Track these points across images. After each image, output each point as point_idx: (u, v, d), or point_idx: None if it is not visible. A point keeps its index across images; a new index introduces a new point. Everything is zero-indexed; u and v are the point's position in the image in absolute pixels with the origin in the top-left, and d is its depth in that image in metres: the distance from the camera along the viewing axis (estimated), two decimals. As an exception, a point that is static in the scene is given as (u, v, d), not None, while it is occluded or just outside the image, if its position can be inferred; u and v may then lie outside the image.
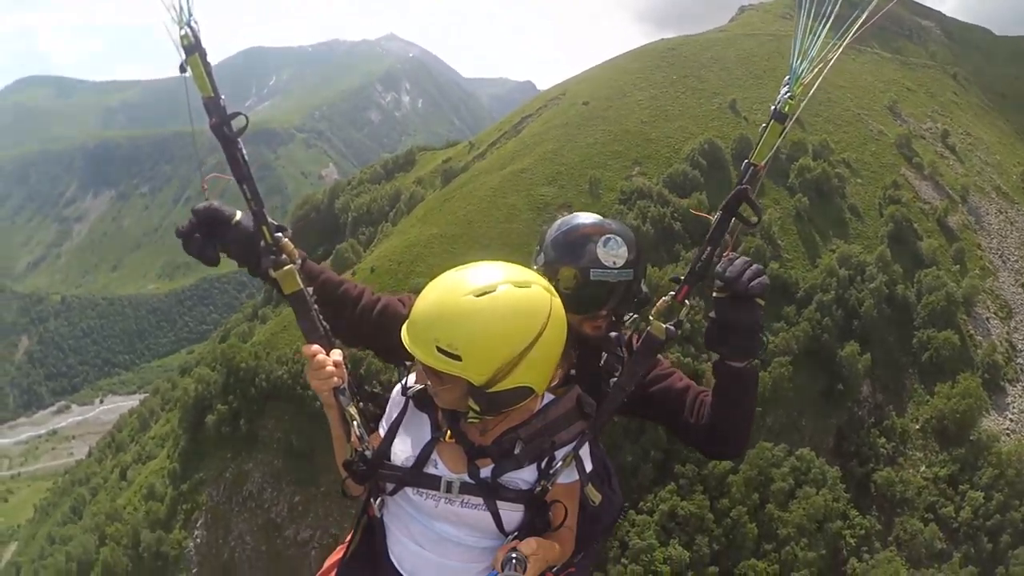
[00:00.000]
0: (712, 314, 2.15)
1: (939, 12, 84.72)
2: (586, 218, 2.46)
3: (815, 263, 35.94)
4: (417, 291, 2.11)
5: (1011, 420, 34.37)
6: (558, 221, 2.51)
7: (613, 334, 2.51)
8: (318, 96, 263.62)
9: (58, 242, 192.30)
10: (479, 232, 38.05)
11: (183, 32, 1.98)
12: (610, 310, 2.42)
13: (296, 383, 31.59)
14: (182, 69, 2.00)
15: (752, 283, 2.08)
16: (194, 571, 33.50)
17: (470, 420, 2.02)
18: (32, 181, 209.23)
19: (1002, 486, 31.26)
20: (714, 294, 2.13)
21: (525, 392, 1.95)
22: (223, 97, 2.06)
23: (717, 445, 2.46)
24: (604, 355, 2.51)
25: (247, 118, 2.13)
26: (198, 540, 33.78)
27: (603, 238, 2.35)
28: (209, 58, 1.97)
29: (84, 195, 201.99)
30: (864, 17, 2.02)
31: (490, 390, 1.89)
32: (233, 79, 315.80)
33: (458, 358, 1.82)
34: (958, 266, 39.92)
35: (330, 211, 63.34)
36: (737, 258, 2.11)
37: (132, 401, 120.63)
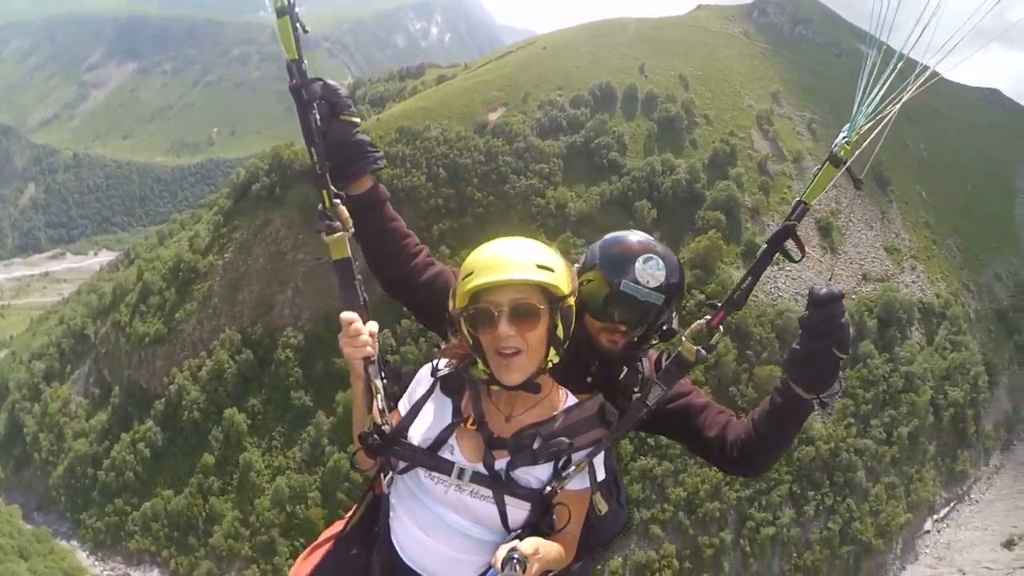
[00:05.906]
0: (802, 341, 2.39)
1: (887, 45, 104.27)
2: (636, 236, 2.69)
3: (645, 160, 57.90)
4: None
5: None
6: (608, 235, 2.78)
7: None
8: (350, 10, 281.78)
9: (74, 104, 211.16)
10: (448, 108, 61.64)
11: None
12: (631, 328, 2.63)
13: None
14: (280, 14, 2.30)
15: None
16: (217, 279, 56.60)
17: (550, 362, 2.34)
18: (58, 41, 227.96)
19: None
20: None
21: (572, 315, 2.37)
22: (305, 62, 2.37)
23: (743, 463, 2.71)
24: (624, 369, 2.70)
25: (324, 83, 2.47)
26: (226, 259, 57.01)
27: (645, 255, 2.58)
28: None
29: (107, 63, 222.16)
30: (924, 75, 2.34)
31: (566, 304, 2.30)
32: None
33: (552, 270, 2.26)
34: (760, 191, 59.17)
35: (351, 99, 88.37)
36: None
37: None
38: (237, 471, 48.90)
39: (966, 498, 55.76)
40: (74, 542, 52.54)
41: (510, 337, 2.22)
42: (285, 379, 50.17)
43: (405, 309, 2.92)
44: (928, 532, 52.03)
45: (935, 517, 53.05)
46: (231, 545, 45.62)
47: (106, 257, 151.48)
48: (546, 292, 2.27)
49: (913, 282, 61.76)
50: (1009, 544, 50.21)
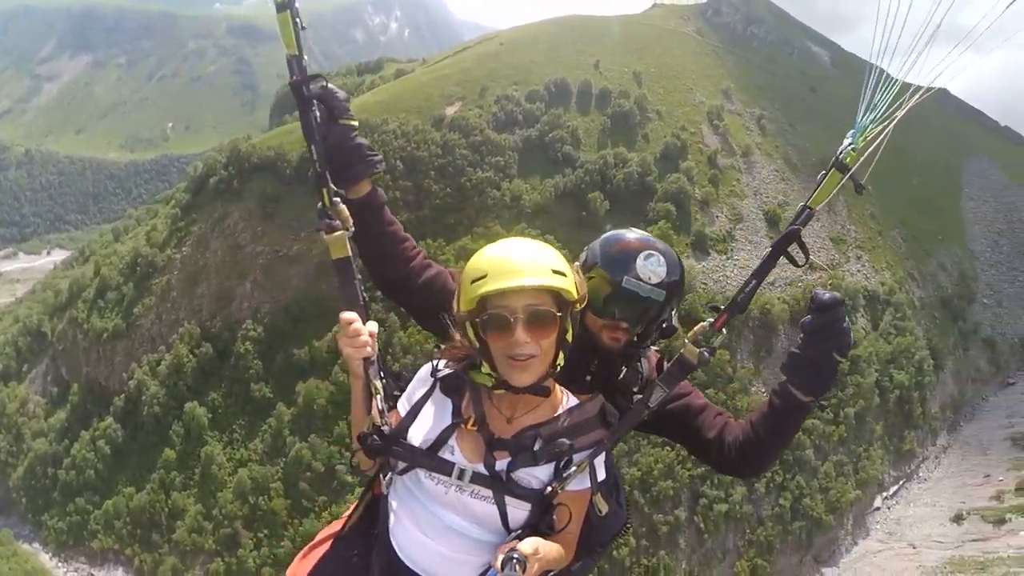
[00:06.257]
0: (803, 345, 2.45)
1: (837, 45, 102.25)
2: (634, 234, 2.74)
3: (599, 153, 59.32)
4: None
5: (703, 266, 55.01)
6: (607, 233, 2.81)
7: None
8: (309, 4, 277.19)
9: (27, 98, 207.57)
10: (405, 102, 62.51)
11: None
12: (632, 325, 2.67)
13: (279, 158, 55.36)
14: (279, 9, 2.28)
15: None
16: (175, 273, 56.80)
17: (558, 366, 2.33)
18: (10, 34, 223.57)
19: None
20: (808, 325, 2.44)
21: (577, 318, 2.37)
22: (306, 58, 2.36)
23: (741, 464, 2.75)
24: (624, 368, 2.73)
25: (326, 81, 2.48)
26: (184, 252, 57.18)
27: (645, 252, 2.62)
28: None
29: (60, 55, 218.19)
30: (928, 83, 2.34)
31: (576, 308, 2.31)
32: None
33: (565, 275, 2.24)
34: (710, 183, 60.55)
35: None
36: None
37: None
38: (199, 465, 48.82)
39: (915, 476, 57.29)
40: (36, 544, 51.97)
41: (526, 344, 2.22)
42: (245, 372, 50.21)
43: (402, 310, 3.01)
44: (878, 509, 53.33)
45: (885, 494, 54.42)
46: (195, 540, 45.60)
47: (59, 256, 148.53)
48: (557, 297, 2.27)
49: (859, 271, 63.48)
50: (958, 519, 51.39)
